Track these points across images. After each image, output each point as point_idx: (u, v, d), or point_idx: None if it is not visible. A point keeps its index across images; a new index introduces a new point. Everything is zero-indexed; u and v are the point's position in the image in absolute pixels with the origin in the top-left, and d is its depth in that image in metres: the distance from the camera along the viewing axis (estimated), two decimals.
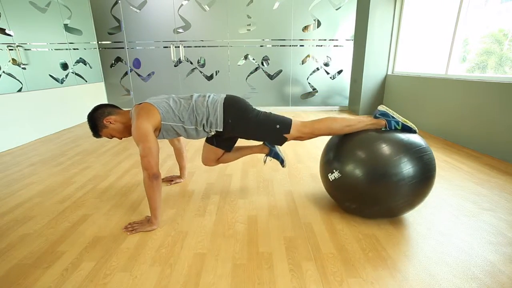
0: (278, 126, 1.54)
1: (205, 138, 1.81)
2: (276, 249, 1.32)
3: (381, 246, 1.33)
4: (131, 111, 1.58)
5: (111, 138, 1.64)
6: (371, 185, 1.36)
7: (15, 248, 1.36)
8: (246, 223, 1.54)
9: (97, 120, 1.56)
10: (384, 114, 1.49)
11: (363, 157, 1.39)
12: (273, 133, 1.56)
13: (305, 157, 2.60)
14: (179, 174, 2.10)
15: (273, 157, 1.88)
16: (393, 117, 1.47)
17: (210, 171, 2.28)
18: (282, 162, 1.89)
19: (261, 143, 1.88)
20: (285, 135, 1.55)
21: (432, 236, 1.40)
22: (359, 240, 1.38)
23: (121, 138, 1.65)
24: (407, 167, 1.31)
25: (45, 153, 2.82)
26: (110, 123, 1.56)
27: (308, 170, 2.28)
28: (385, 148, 1.36)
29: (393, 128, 1.46)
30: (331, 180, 1.51)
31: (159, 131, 1.55)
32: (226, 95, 1.61)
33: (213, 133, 1.61)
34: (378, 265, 1.21)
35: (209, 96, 1.59)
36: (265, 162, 1.97)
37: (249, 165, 2.40)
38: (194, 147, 2.93)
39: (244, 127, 1.57)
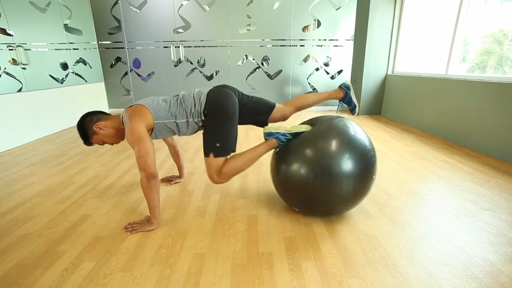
0: (218, 145, 1.54)
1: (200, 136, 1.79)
2: (276, 249, 1.32)
3: (381, 246, 1.33)
4: (121, 115, 1.57)
5: (102, 145, 1.64)
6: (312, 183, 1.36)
7: (15, 248, 1.36)
8: (246, 223, 1.54)
9: (86, 127, 1.56)
10: (270, 134, 1.51)
11: (306, 156, 1.39)
12: (212, 146, 1.54)
13: None
14: (178, 174, 2.10)
15: (347, 103, 1.86)
16: (278, 132, 1.49)
17: None
18: (353, 108, 1.85)
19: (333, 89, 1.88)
20: (216, 157, 1.54)
21: (432, 236, 1.40)
22: (359, 240, 1.38)
23: (112, 144, 1.65)
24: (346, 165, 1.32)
25: (45, 153, 2.82)
26: (100, 129, 1.56)
27: None
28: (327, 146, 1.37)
29: (284, 141, 1.49)
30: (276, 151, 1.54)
31: (152, 131, 1.55)
32: (213, 87, 1.66)
33: (203, 119, 1.58)
34: (378, 265, 1.21)
35: (195, 90, 1.63)
36: (338, 109, 1.98)
37: None
38: (194, 147, 2.93)
39: (209, 125, 1.57)
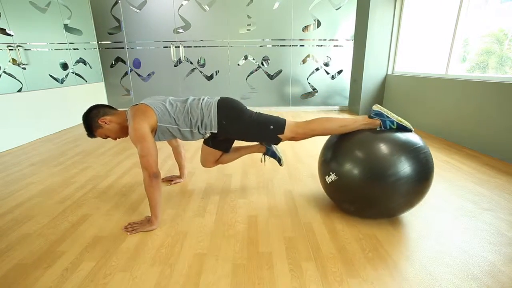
0: (272, 127, 1.55)
1: (202, 140, 1.81)
2: (276, 249, 1.32)
3: (381, 246, 1.33)
4: (127, 112, 1.58)
5: (105, 139, 1.65)
6: (369, 186, 1.35)
7: (15, 248, 1.36)
8: (246, 223, 1.54)
9: (92, 120, 1.56)
10: (379, 114, 1.48)
11: (359, 158, 1.39)
12: (267, 133, 1.57)
13: (305, 156, 2.60)
14: (179, 174, 2.10)
15: (271, 156, 1.90)
16: (387, 116, 1.46)
17: (210, 171, 2.28)
18: (279, 161, 1.90)
19: (257, 143, 1.88)
20: (279, 136, 1.56)
21: (432, 236, 1.40)
22: (359, 240, 1.38)
23: (115, 139, 1.65)
24: (404, 167, 1.31)
25: (45, 153, 2.82)
26: (105, 123, 1.56)
27: (308, 170, 2.28)
28: (382, 148, 1.36)
29: (388, 127, 1.46)
30: (328, 182, 1.50)
31: (155, 132, 1.55)
32: (220, 97, 1.62)
33: (208, 135, 1.62)
34: (378, 265, 1.21)
35: (203, 99, 1.60)
36: (262, 161, 1.98)
37: (249, 165, 2.40)
38: (194, 147, 2.93)
39: (238, 128, 1.58)
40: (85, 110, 1.60)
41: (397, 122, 1.45)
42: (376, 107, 1.51)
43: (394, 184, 1.31)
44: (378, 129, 1.47)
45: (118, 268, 1.21)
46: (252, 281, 1.13)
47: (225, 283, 1.12)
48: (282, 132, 1.54)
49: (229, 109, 1.57)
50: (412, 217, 1.57)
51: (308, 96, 5.00)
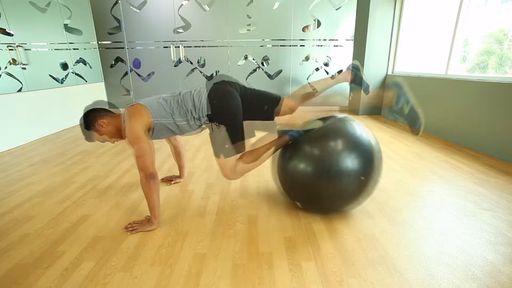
0: (266, 107, 1.61)
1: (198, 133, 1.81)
2: (276, 249, 1.32)
3: (381, 246, 1.33)
4: (123, 114, 1.58)
5: (103, 142, 1.65)
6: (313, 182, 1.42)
7: (15, 248, 1.36)
8: (246, 223, 1.54)
9: (89, 123, 1.57)
10: (285, 132, 1.54)
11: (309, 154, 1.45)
12: (261, 112, 1.62)
13: None
14: (178, 174, 2.10)
15: (358, 84, 1.82)
16: (291, 130, 1.52)
17: (210, 171, 2.28)
18: (366, 88, 1.79)
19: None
20: (275, 115, 1.63)
21: (432, 236, 1.40)
22: (359, 240, 1.38)
23: (113, 142, 1.66)
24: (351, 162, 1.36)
25: (45, 153, 2.82)
26: (102, 126, 1.56)
27: None
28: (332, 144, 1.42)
29: (297, 137, 1.52)
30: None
31: (152, 131, 1.55)
32: (210, 84, 1.61)
33: (204, 121, 1.59)
34: (378, 265, 1.21)
35: (195, 90, 1.61)
36: (350, 93, 1.96)
37: None
38: (194, 147, 2.93)
39: (229, 106, 1.56)
40: (84, 112, 1.59)
41: (303, 130, 1.50)
42: (279, 127, 1.57)
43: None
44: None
45: (118, 268, 1.21)
46: (252, 281, 1.13)
47: (225, 283, 1.12)
48: (231, 156, 1.56)
49: (220, 88, 1.57)
50: (412, 217, 1.57)
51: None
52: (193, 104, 1.56)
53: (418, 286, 1.09)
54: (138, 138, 1.42)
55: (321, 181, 1.40)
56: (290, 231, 1.46)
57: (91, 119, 1.56)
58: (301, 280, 1.13)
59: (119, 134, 1.62)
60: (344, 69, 1.77)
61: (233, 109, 1.55)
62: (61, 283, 1.13)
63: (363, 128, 1.50)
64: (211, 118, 1.57)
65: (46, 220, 1.60)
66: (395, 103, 1.43)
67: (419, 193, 1.85)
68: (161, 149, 2.86)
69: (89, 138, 1.61)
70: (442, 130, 3.14)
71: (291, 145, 1.53)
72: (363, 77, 1.77)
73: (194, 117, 1.57)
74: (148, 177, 1.39)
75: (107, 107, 1.65)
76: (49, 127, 3.57)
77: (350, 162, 1.37)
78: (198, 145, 2.99)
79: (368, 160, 1.40)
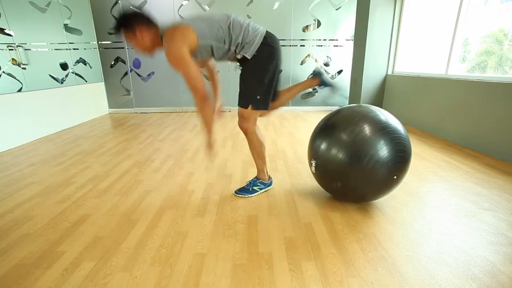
0: (258, 97, 1.64)
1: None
2: (276, 249, 1.32)
3: (381, 246, 1.33)
4: (161, 30, 1.51)
5: (129, 43, 1.55)
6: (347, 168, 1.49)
7: (15, 248, 1.36)
8: (246, 223, 1.54)
9: (131, 22, 1.45)
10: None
11: (339, 142, 1.52)
12: (262, 96, 1.65)
13: (305, 157, 2.60)
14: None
15: (324, 85, 1.88)
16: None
17: (210, 171, 2.28)
18: (332, 87, 1.88)
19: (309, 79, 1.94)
20: (260, 110, 1.67)
21: (432, 236, 1.40)
22: (359, 240, 1.38)
23: (140, 51, 1.57)
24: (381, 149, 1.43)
25: (45, 153, 2.82)
26: (141, 33, 1.47)
27: (308, 169, 2.28)
28: (364, 130, 1.48)
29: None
30: (314, 172, 1.68)
31: (195, 51, 1.51)
32: (266, 31, 1.61)
33: (238, 58, 1.60)
34: (378, 265, 1.21)
35: (249, 23, 1.58)
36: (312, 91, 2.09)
37: (249, 165, 2.40)
38: (194, 146, 2.93)
39: (256, 71, 1.60)
40: (130, 10, 1.50)
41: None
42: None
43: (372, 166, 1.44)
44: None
45: (118, 268, 1.21)
46: (252, 281, 1.13)
47: (225, 283, 1.12)
48: (260, 109, 1.66)
49: (268, 50, 1.58)
50: (412, 217, 1.57)
51: (308, 96, 5.00)
52: (244, 35, 1.53)
53: (418, 286, 1.09)
54: (183, 60, 1.41)
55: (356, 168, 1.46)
56: (290, 231, 1.46)
57: (133, 21, 1.45)
58: (301, 280, 1.13)
59: (150, 47, 1.54)
60: (309, 77, 1.90)
61: (279, 63, 1.64)
62: (61, 283, 1.13)
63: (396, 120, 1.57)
64: (256, 58, 1.57)
65: (46, 220, 1.60)
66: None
67: (419, 193, 1.85)
68: (161, 149, 2.86)
69: (117, 31, 1.50)
70: (442, 130, 3.14)
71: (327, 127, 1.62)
72: (326, 78, 1.86)
73: (237, 46, 1.54)
74: (202, 99, 1.44)
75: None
76: (49, 127, 3.57)
77: (386, 152, 1.43)
78: (198, 144, 2.99)
79: (403, 159, 1.48)
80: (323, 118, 1.71)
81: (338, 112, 1.63)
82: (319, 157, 1.58)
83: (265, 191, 1.90)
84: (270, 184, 1.93)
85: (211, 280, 1.13)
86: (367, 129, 1.46)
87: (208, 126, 1.55)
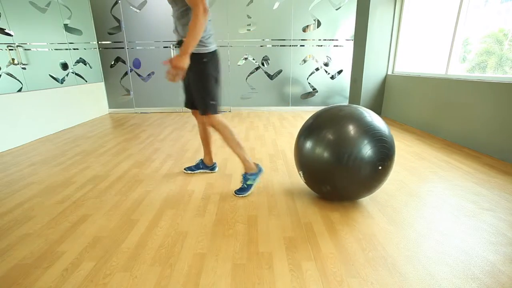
0: (212, 102, 1.76)
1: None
2: (276, 249, 1.32)
3: (381, 246, 1.33)
4: None
5: None
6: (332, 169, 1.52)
7: (15, 248, 1.36)
8: (246, 223, 1.54)
9: None
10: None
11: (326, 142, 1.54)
12: (206, 102, 1.76)
13: None
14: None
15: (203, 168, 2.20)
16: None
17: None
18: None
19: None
20: (209, 113, 1.78)
21: (432, 236, 1.40)
22: (359, 240, 1.38)
23: None
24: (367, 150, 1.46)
25: (45, 153, 2.82)
26: None
27: None
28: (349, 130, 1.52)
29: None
30: (305, 182, 1.73)
31: None
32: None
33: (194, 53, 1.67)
34: (378, 265, 1.21)
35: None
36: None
37: None
38: (194, 146, 2.93)
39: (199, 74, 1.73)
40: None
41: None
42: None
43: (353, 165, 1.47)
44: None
45: (118, 268, 1.21)
46: (252, 281, 1.13)
47: (225, 283, 1.12)
48: (216, 113, 1.79)
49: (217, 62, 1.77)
50: (412, 217, 1.57)
51: (308, 96, 5.00)
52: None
53: (418, 286, 1.09)
54: None
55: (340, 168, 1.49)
56: (290, 231, 1.46)
57: None
58: (301, 280, 1.13)
59: None
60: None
61: (217, 73, 1.79)
62: (61, 283, 1.13)
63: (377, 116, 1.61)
64: (206, 62, 1.71)
65: (46, 220, 1.60)
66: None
67: (419, 193, 1.85)
68: (160, 149, 2.86)
69: None
70: (442, 130, 3.14)
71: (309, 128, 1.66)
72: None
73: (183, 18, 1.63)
74: (205, 11, 1.48)
75: None
76: (49, 127, 3.57)
77: (369, 150, 1.46)
78: (198, 144, 2.99)
79: (387, 148, 1.51)
80: (301, 128, 1.76)
81: (315, 118, 1.68)
82: (305, 165, 1.64)
83: (260, 179, 1.92)
84: (260, 170, 1.91)
85: (211, 280, 1.13)
86: (345, 129, 1.51)
87: (188, 44, 1.53)
